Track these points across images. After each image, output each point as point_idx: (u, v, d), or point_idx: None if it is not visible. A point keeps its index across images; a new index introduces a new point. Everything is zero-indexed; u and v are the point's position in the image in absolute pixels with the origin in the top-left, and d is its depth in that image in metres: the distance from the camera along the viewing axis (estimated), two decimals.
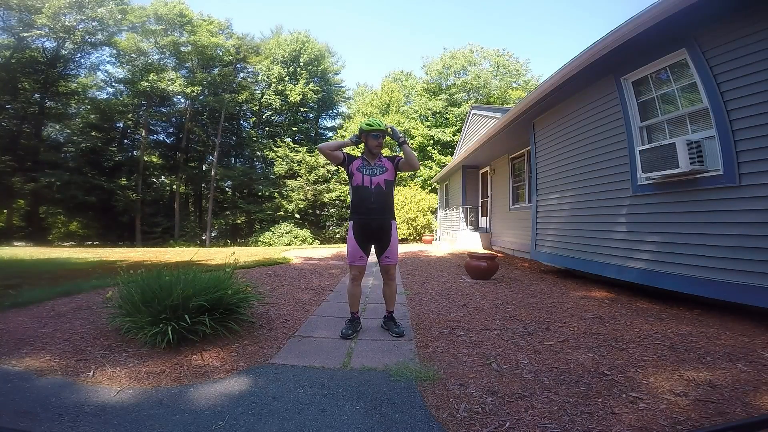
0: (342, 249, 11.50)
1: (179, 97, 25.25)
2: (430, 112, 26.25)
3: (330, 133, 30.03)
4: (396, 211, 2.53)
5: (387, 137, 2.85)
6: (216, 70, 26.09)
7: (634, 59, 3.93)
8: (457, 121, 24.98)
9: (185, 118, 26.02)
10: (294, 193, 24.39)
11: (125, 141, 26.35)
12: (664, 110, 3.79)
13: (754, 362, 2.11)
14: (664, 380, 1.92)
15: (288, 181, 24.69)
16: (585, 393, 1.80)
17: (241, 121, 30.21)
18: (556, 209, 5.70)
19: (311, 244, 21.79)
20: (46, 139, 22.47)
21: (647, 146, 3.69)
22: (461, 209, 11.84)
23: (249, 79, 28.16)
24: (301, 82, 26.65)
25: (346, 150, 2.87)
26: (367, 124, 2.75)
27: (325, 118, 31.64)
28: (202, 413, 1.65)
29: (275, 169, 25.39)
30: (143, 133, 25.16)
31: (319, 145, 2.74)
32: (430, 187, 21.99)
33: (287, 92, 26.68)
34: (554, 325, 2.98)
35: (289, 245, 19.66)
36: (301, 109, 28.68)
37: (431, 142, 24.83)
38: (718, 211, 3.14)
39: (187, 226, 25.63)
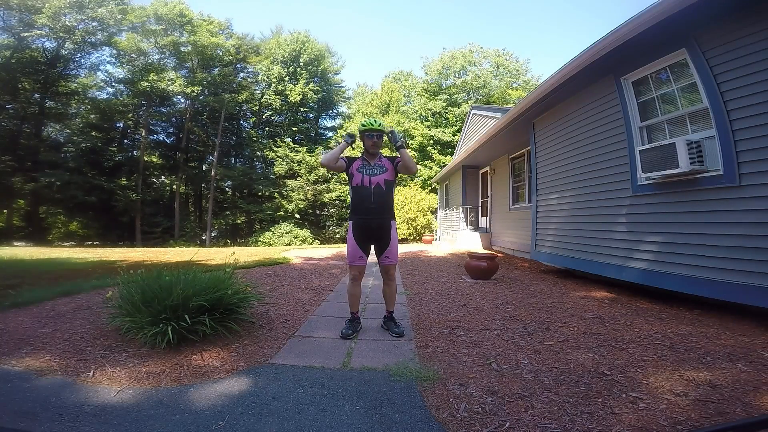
0: (342, 249, 11.50)
1: (179, 97, 25.25)
2: (430, 112, 26.22)
3: (330, 133, 30.07)
4: (396, 211, 2.53)
5: (386, 139, 2.86)
6: (216, 70, 26.09)
7: (634, 59, 3.93)
8: (457, 121, 24.97)
9: (185, 118, 26.03)
10: (294, 193, 24.39)
11: (125, 141, 26.36)
12: (664, 110, 3.79)
13: (754, 362, 2.11)
14: (664, 380, 1.92)
15: (288, 181, 24.70)
16: (585, 393, 1.80)
17: (241, 121, 30.24)
18: (556, 209, 5.70)
19: (311, 244, 21.79)
20: (46, 139, 22.48)
21: (647, 146, 3.69)
22: (461, 209, 11.84)
23: (249, 79, 28.17)
24: (301, 82, 26.65)
25: (345, 153, 2.88)
26: (362, 124, 2.79)
27: (325, 118, 31.71)
28: (202, 413, 1.65)
29: (275, 169, 25.40)
30: (143, 133, 25.16)
31: (321, 161, 2.75)
32: (430, 187, 21.98)
33: (287, 92, 26.69)
34: (554, 325, 2.98)
35: (289, 245, 19.66)
36: (301, 109, 28.69)
37: (431, 142, 24.81)
38: (718, 211, 3.14)
39: (187, 226, 25.63)
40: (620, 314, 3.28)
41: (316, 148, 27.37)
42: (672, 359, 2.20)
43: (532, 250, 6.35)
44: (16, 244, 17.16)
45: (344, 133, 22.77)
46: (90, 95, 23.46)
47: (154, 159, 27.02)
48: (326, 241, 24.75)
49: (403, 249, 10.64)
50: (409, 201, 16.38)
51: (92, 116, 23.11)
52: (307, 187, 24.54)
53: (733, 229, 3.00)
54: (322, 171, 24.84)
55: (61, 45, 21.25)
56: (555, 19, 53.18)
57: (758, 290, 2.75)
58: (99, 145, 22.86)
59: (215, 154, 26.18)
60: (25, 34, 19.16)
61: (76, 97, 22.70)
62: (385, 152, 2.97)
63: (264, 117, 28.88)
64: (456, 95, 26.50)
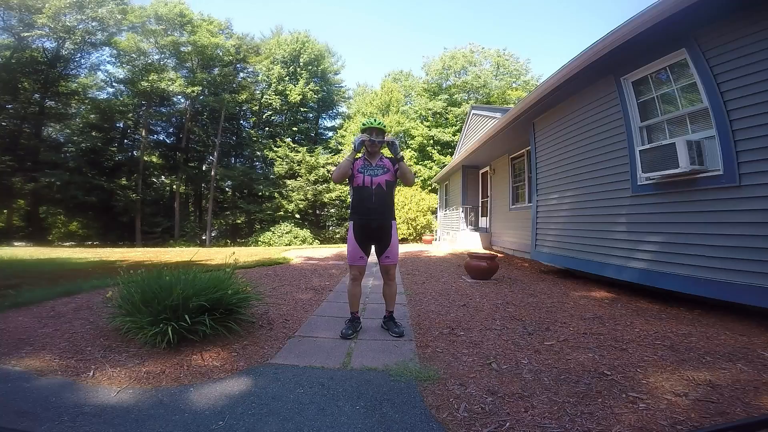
0: (342, 249, 11.50)
1: (179, 97, 25.26)
2: (430, 112, 26.22)
3: (330, 133, 30.06)
4: (396, 211, 2.53)
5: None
6: (216, 70, 26.09)
7: (634, 59, 3.93)
8: (457, 121, 24.97)
9: (185, 118, 26.03)
10: (294, 193, 24.39)
11: (125, 141, 26.37)
12: (664, 110, 3.79)
13: (754, 362, 2.11)
14: (664, 380, 1.92)
15: (288, 181, 24.69)
16: (585, 393, 1.80)
17: (241, 121, 30.24)
18: (556, 209, 5.70)
19: (311, 244, 21.79)
20: (46, 139, 22.48)
21: (647, 146, 3.69)
22: (461, 209, 11.84)
23: (249, 79, 28.16)
24: (301, 82, 26.66)
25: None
26: (362, 124, 2.83)
27: (325, 118, 31.72)
28: (202, 413, 1.65)
29: (275, 169, 25.40)
30: (143, 133, 25.15)
31: (333, 178, 2.79)
32: (430, 187, 21.97)
33: (287, 92, 26.69)
34: (554, 325, 2.98)
35: (289, 245, 19.66)
36: (301, 109, 28.69)
37: (431, 142, 24.81)
38: (718, 211, 3.14)
39: (187, 226, 25.63)
40: (620, 314, 3.28)
41: (316, 148, 27.40)
42: (672, 359, 2.20)
43: (532, 250, 6.35)
44: (16, 244, 17.16)
45: (348, 134, 22.53)
46: (90, 95, 23.47)
47: (154, 159, 27.01)
48: (326, 241, 24.75)
49: (403, 249, 10.64)
50: (409, 201, 16.39)
51: (92, 116, 23.10)
52: (307, 187, 24.54)
53: (733, 229, 3.00)
54: (322, 171, 24.86)
55: (61, 45, 21.25)
56: (555, 19, 53.22)
57: (758, 290, 2.74)
58: (99, 145, 22.85)
59: (215, 154, 26.19)
60: (25, 34, 19.16)
61: (76, 97, 22.70)
62: (386, 152, 2.98)
63: (264, 117, 28.88)
64: (456, 95, 26.51)
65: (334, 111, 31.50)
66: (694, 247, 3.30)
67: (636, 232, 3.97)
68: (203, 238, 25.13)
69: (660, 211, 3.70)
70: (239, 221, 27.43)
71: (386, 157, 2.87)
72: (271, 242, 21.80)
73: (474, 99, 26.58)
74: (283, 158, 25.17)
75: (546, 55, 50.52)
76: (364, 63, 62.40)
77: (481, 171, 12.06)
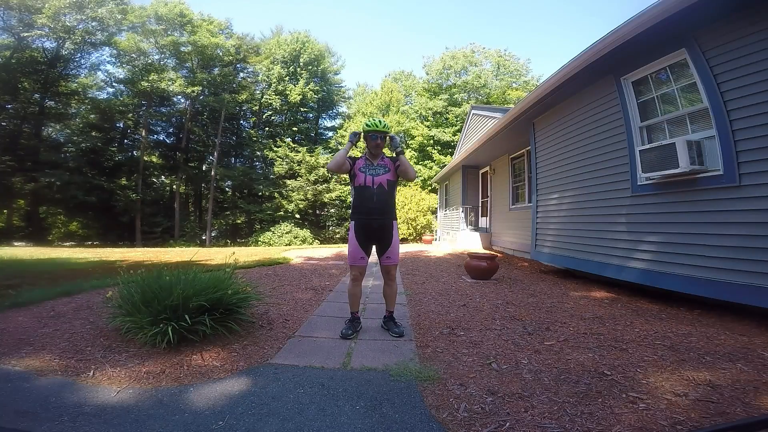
0: (342, 249, 11.50)
1: (179, 97, 25.26)
2: (430, 112, 26.21)
3: (330, 133, 30.06)
4: (396, 211, 2.52)
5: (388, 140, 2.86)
6: (216, 70, 26.08)
7: (634, 59, 3.93)
8: (457, 121, 24.96)
9: (185, 118, 26.02)
10: (294, 193, 24.39)
11: (125, 141, 26.35)
12: (664, 110, 3.79)
13: (754, 362, 2.10)
14: (664, 380, 1.92)
15: (288, 181, 24.69)
16: (585, 393, 1.80)
17: (241, 121, 30.24)
18: (556, 209, 5.70)
19: (311, 244, 21.79)
20: (46, 139, 22.46)
21: (647, 146, 3.69)
22: (461, 209, 11.84)
23: (249, 79, 28.16)
24: (301, 82, 26.65)
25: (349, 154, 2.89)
26: (365, 125, 2.78)
27: (325, 118, 31.71)
28: (202, 413, 1.65)
29: (275, 169, 25.39)
30: (143, 133, 25.15)
31: (329, 166, 2.77)
32: (430, 187, 21.97)
33: (287, 92, 26.68)
34: (554, 325, 2.98)
35: (289, 245, 19.66)
36: (301, 109, 28.69)
37: (431, 142, 24.80)
38: (718, 211, 3.14)
39: (187, 226, 25.63)
40: (620, 314, 3.28)
41: (316, 148, 27.39)
42: (672, 359, 2.20)
43: (532, 250, 6.35)
44: (16, 244, 17.17)
45: (348, 132, 22.60)
46: (90, 95, 23.46)
47: (154, 159, 27.01)
48: (326, 241, 24.75)
49: (403, 249, 10.63)
50: (409, 201, 16.39)
51: (92, 116, 23.09)
52: (307, 187, 24.54)
53: (733, 229, 3.00)
54: (322, 171, 24.85)
55: (61, 45, 21.24)
56: (555, 19, 53.21)
57: (758, 290, 2.74)
58: (99, 145, 22.84)
59: (215, 154, 26.18)
60: (25, 34, 19.16)
61: (76, 97, 22.69)
62: (387, 152, 2.97)
63: (264, 117, 28.87)
64: (456, 95, 26.49)
65: (334, 111, 31.52)
66: (694, 247, 3.30)
67: (636, 232, 3.97)
68: (203, 238, 25.13)
69: (660, 211, 3.70)
70: (239, 221, 27.43)
71: (387, 157, 2.86)
72: (271, 242, 21.80)
73: (474, 99, 26.58)
74: (283, 158, 25.17)
75: (546, 55, 50.60)
76: (364, 63, 62.52)
77: (481, 171, 12.06)
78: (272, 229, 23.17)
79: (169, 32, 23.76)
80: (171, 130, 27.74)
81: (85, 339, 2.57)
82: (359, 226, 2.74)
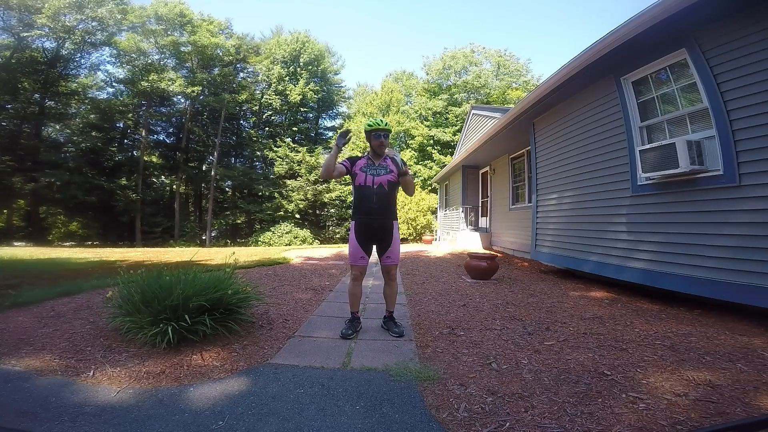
0: (342, 249, 11.50)
1: (179, 97, 25.26)
2: (430, 112, 26.21)
3: (330, 133, 30.09)
4: (397, 211, 2.52)
5: (391, 141, 2.86)
6: (216, 70, 26.09)
7: (634, 59, 3.93)
8: (457, 121, 24.96)
9: (185, 118, 26.03)
10: (294, 193, 24.39)
11: (125, 141, 26.36)
12: (664, 110, 3.79)
13: (754, 362, 2.10)
14: (664, 380, 1.92)
15: (288, 181, 24.70)
16: (585, 393, 1.80)
17: (241, 121, 30.23)
18: (556, 209, 5.70)
19: (311, 244, 21.78)
20: (46, 139, 22.46)
21: (647, 146, 3.69)
22: (461, 209, 11.84)
23: (249, 79, 28.16)
24: (301, 82, 26.65)
25: (347, 154, 2.88)
26: (368, 124, 2.76)
27: (325, 118, 31.74)
28: (202, 413, 1.65)
29: (275, 169, 25.40)
30: (143, 133, 25.15)
31: (320, 174, 2.75)
32: (430, 187, 21.97)
33: (287, 92, 26.69)
34: (554, 325, 2.98)
35: (289, 245, 19.66)
36: (301, 109, 28.70)
37: (431, 142, 24.80)
38: (718, 211, 3.14)
39: (187, 226, 25.64)
40: (620, 314, 3.28)
41: (316, 148, 27.38)
42: (672, 359, 2.20)
43: (532, 250, 6.35)
44: (16, 244, 17.17)
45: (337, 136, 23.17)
46: (90, 95, 23.47)
47: (154, 159, 27.01)
48: (326, 241, 24.74)
49: (403, 249, 10.63)
50: (409, 201, 16.39)
51: (92, 116, 23.10)
52: (307, 187, 24.54)
53: (733, 229, 3.00)
54: None
55: (61, 45, 21.24)
56: (555, 19, 53.20)
57: (758, 290, 2.74)
58: (99, 145, 22.84)
59: (215, 154, 26.18)
60: (25, 34, 19.15)
61: (76, 97, 22.69)
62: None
63: (264, 117, 28.87)
64: (457, 95, 26.50)
65: (334, 111, 31.54)
66: (694, 247, 3.30)
67: (636, 232, 3.97)
68: (203, 238, 25.14)
69: (660, 211, 3.70)
70: (239, 221, 27.43)
71: (389, 157, 2.86)
72: (271, 242, 21.80)
73: (474, 99, 26.58)
74: (283, 158, 25.17)
75: (546, 55, 50.55)
76: (364, 63, 62.48)
77: (481, 171, 12.06)
78: (272, 229, 23.18)
79: (169, 32, 23.76)
80: (171, 130, 27.77)
81: (85, 339, 2.57)
82: (360, 225, 2.74)
